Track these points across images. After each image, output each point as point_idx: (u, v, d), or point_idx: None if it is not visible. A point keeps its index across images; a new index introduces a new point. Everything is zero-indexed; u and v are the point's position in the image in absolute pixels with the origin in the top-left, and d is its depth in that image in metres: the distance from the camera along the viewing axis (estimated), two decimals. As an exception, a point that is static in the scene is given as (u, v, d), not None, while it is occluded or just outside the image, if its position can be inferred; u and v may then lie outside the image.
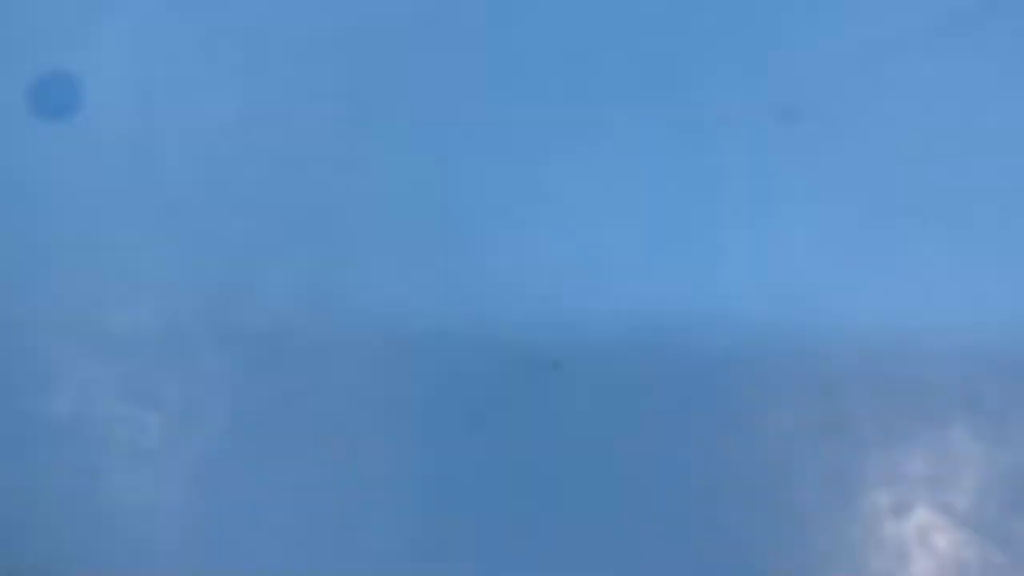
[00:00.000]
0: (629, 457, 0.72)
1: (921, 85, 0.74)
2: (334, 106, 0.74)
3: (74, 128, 0.74)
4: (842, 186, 0.74)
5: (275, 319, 0.74)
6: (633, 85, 0.74)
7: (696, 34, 0.75)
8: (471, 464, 0.72)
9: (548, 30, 0.75)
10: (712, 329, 0.73)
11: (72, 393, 0.72)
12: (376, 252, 0.73)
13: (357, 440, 0.73)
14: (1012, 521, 0.72)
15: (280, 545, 0.72)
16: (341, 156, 0.74)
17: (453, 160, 0.74)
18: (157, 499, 0.72)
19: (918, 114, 0.74)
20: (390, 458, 0.73)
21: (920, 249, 0.74)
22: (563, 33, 0.75)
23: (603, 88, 0.74)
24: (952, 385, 0.73)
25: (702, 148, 0.74)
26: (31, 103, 0.74)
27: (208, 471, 0.72)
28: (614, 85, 0.74)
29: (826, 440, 0.73)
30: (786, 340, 0.73)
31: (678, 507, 0.72)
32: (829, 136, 0.74)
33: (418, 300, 0.73)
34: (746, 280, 0.73)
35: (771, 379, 0.73)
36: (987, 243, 0.74)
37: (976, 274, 0.73)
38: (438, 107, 0.74)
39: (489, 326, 0.73)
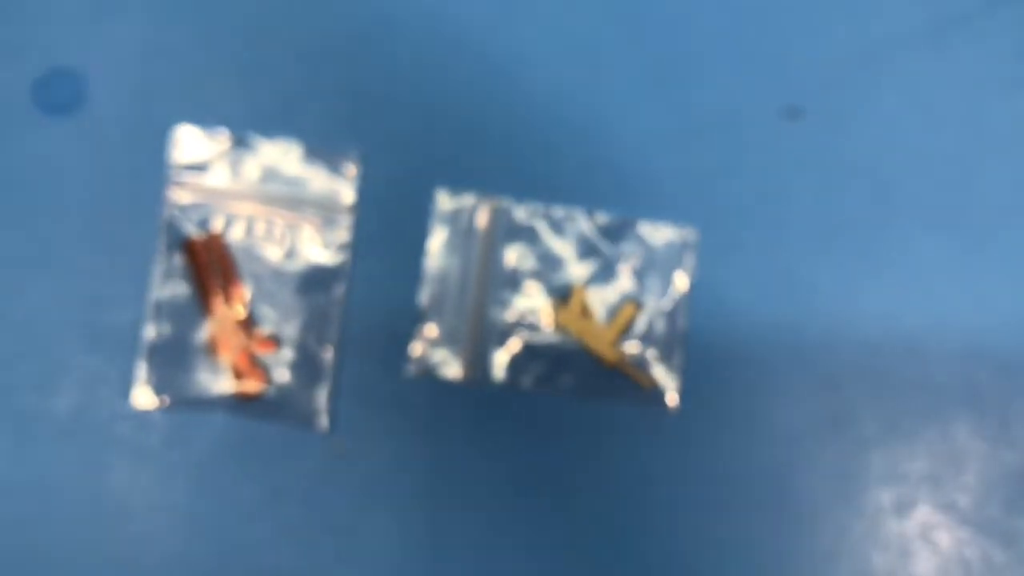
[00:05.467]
0: (630, 455, 0.73)
1: (923, 84, 0.75)
2: (334, 105, 0.74)
3: (77, 124, 0.74)
4: (845, 184, 0.74)
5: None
6: (636, 84, 0.75)
7: (699, 33, 0.75)
8: (470, 466, 0.73)
9: (553, 30, 0.75)
10: (716, 327, 0.73)
11: (75, 391, 0.72)
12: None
13: (357, 441, 0.73)
14: (1014, 519, 0.73)
15: (279, 543, 0.72)
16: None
17: (461, 157, 0.74)
18: (160, 496, 0.72)
19: (920, 113, 0.75)
20: (388, 459, 0.73)
21: (922, 248, 0.74)
22: (567, 33, 0.75)
23: (605, 87, 0.75)
24: (954, 384, 0.73)
25: (708, 145, 0.74)
26: (35, 99, 0.74)
27: (210, 469, 0.72)
28: (617, 84, 0.75)
29: (829, 438, 0.73)
30: (789, 339, 0.73)
31: (681, 504, 0.72)
32: (832, 134, 0.74)
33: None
34: (749, 278, 0.74)
35: (774, 377, 0.73)
36: (989, 242, 0.74)
37: (978, 273, 0.74)
38: (438, 106, 0.74)
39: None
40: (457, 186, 0.73)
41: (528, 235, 0.73)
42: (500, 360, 0.72)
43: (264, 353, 0.72)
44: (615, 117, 0.74)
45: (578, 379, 0.72)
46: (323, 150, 0.73)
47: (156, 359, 0.72)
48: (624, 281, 0.73)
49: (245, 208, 0.73)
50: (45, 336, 0.72)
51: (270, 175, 0.73)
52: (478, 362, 0.72)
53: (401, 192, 0.73)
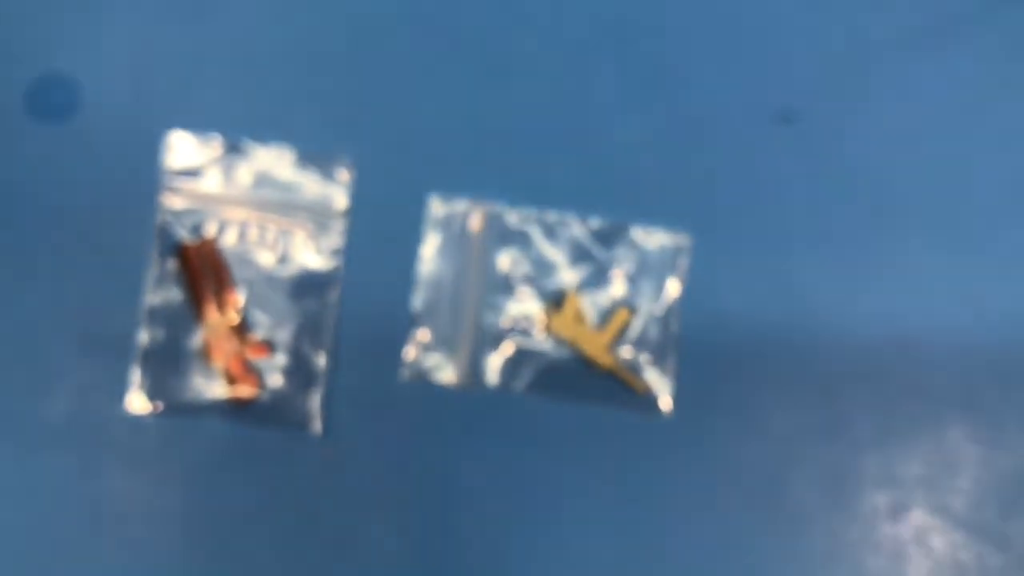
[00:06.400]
0: (624, 459, 0.73)
1: (918, 87, 0.75)
2: (327, 111, 0.74)
3: (71, 131, 0.74)
4: (839, 188, 0.74)
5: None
6: (628, 89, 0.75)
7: (692, 37, 0.75)
8: (464, 470, 0.73)
9: (548, 32, 0.75)
10: (709, 332, 0.73)
11: (69, 396, 0.72)
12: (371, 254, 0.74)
13: (351, 445, 0.73)
14: (1009, 522, 0.73)
15: (274, 547, 0.72)
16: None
17: (454, 162, 0.74)
18: (154, 501, 0.72)
19: (915, 116, 0.75)
20: (382, 463, 0.73)
21: (917, 251, 0.74)
22: (563, 35, 0.75)
23: (597, 92, 0.75)
24: (949, 387, 0.73)
25: (700, 149, 0.74)
26: (28, 106, 0.74)
27: (204, 474, 0.72)
28: (609, 89, 0.75)
29: (824, 442, 0.73)
30: (783, 343, 0.73)
31: (675, 507, 0.72)
32: (826, 138, 0.74)
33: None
34: (743, 283, 0.74)
35: (768, 381, 0.73)
36: (984, 246, 0.74)
37: (973, 276, 0.74)
38: (431, 111, 0.74)
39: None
40: (450, 191, 0.73)
41: (521, 240, 0.73)
42: (494, 365, 0.72)
43: (257, 358, 0.72)
44: (608, 122, 0.74)
45: (571, 384, 0.72)
46: (316, 156, 0.73)
47: (150, 364, 0.72)
48: (617, 286, 0.73)
49: (238, 214, 0.73)
50: (39, 342, 0.73)
51: (263, 181, 0.73)
52: (472, 367, 0.72)
53: (394, 197, 0.73)
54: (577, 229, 0.73)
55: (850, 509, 0.72)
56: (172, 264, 0.72)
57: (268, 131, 0.74)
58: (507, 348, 0.72)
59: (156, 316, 0.72)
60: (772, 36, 0.75)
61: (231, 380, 0.72)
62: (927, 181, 0.74)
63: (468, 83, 0.74)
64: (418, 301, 0.72)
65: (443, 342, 0.72)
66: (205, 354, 0.72)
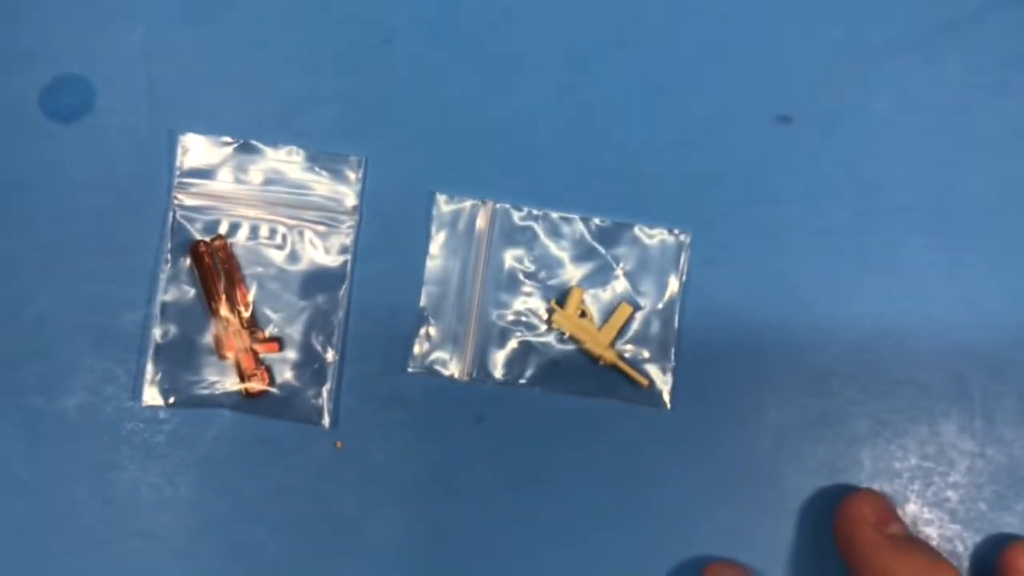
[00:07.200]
0: (626, 452, 0.73)
1: (911, 89, 0.76)
2: (336, 112, 0.75)
3: (85, 131, 0.75)
4: (835, 187, 0.75)
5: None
6: (630, 90, 0.75)
7: (691, 42, 0.76)
8: (470, 462, 0.74)
9: (550, 37, 0.76)
10: (708, 327, 0.74)
11: (84, 390, 0.73)
12: (370, 257, 0.75)
13: (357, 442, 0.74)
14: (1002, 515, 0.73)
15: (284, 538, 0.73)
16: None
17: (460, 162, 0.75)
18: (167, 492, 0.73)
19: (908, 117, 0.75)
20: (390, 455, 0.74)
21: (911, 250, 0.75)
22: (564, 40, 0.76)
23: (600, 94, 0.75)
24: (943, 382, 0.74)
25: (701, 149, 0.75)
26: (43, 106, 0.75)
27: (216, 466, 0.73)
28: (612, 91, 0.75)
29: (820, 436, 0.74)
30: (780, 338, 0.74)
31: (674, 500, 0.73)
32: (822, 139, 0.75)
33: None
34: (741, 279, 0.74)
35: (766, 376, 0.74)
36: (977, 244, 0.75)
37: (966, 273, 0.75)
38: (438, 112, 0.75)
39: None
40: (457, 190, 0.74)
41: (526, 238, 0.74)
42: (499, 359, 0.73)
43: (268, 353, 0.73)
44: (610, 123, 0.75)
45: (574, 378, 0.73)
46: (325, 156, 0.74)
47: (163, 359, 0.73)
48: (619, 283, 0.74)
49: (249, 212, 0.74)
50: (55, 337, 0.73)
51: (274, 180, 0.74)
52: (477, 361, 0.73)
53: (402, 196, 0.74)
54: (581, 227, 0.74)
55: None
56: (185, 262, 0.73)
57: (279, 132, 0.75)
58: (512, 343, 0.73)
59: (169, 312, 0.73)
60: (771, 38, 0.76)
61: (242, 375, 0.73)
62: (921, 180, 0.75)
63: (474, 84, 0.75)
64: (425, 297, 0.73)
65: (450, 337, 0.73)
66: (217, 349, 0.73)
